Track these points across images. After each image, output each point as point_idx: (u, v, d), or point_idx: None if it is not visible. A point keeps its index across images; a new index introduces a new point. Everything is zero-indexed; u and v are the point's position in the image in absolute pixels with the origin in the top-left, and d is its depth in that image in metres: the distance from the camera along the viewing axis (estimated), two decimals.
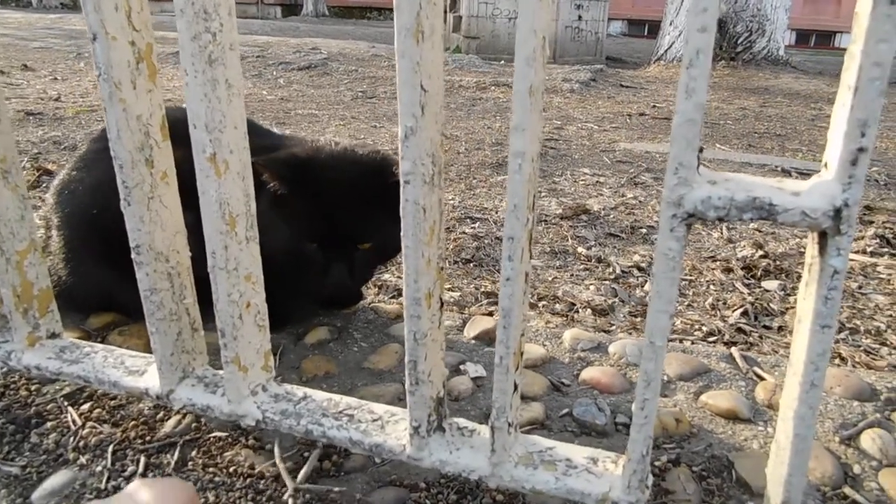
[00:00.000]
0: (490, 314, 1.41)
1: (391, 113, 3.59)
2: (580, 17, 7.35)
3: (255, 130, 1.11)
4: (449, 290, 1.57)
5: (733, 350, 1.10)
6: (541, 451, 0.61)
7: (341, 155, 0.97)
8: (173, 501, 0.55)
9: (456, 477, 0.75)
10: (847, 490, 0.78)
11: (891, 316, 1.62)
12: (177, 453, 0.79)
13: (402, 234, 0.53)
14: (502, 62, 6.16)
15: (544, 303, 1.55)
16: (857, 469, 0.82)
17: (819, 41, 13.05)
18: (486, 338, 1.08)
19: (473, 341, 1.08)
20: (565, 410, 0.90)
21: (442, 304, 0.59)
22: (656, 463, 0.80)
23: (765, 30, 6.39)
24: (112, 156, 0.59)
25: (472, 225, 1.96)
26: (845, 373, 1.01)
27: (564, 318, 1.45)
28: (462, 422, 0.64)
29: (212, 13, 0.54)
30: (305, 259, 0.95)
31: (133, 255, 0.64)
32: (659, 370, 0.51)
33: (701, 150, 0.49)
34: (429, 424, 0.60)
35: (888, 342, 1.49)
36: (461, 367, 0.99)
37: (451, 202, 2.11)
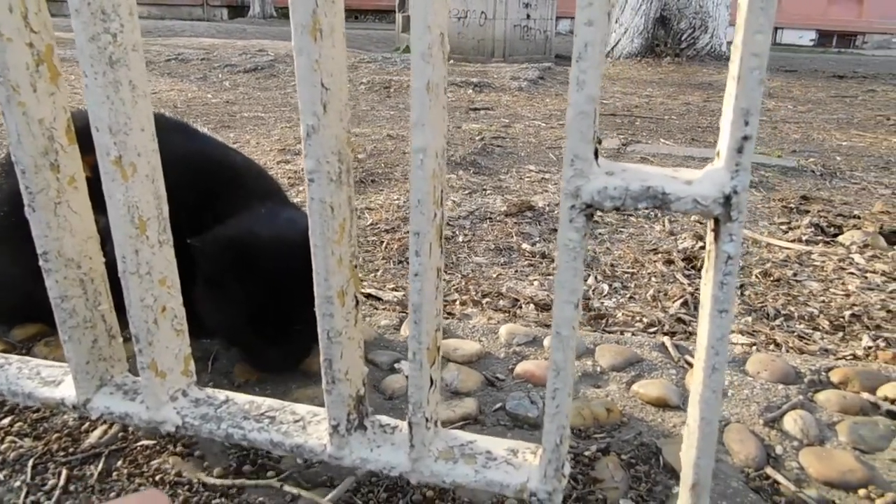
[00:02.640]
0: None
1: None
2: (528, 16, 7.41)
3: (187, 132, 1.09)
4: (392, 289, 1.57)
5: (665, 339, 1.12)
6: (461, 444, 0.61)
7: (278, 233, 0.91)
8: None
9: (387, 475, 0.75)
10: (769, 470, 0.81)
11: (823, 301, 1.68)
12: (101, 464, 0.77)
13: (310, 232, 0.53)
14: (451, 61, 6.17)
15: (488, 300, 1.56)
16: (779, 450, 0.85)
17: None
18: None
19: None
20: (499, 405, 0.91)
21: (357, 303, 0.59)
22: (586, 453, 0.82)
23: (707, 26, 6.54)
24: (13, 161, 0.58)
25: None
26: (772, 357, 1.04)
27: (507, 314, 1.46)
28: (384, 419, 0.64)
29: (111, 13, 0.53)
30: (242, 343, 0.94)
31: (41, 262, 0.62)
32: (568, 360, 0.51)
33: (599, 141, 0.50)
34: (349, 423, 0.60)
35: (820, 327, 1.54)
36: (396, 365, 0.99)
37: (397, 202, 2.11)
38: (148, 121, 0.58)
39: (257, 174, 1.05)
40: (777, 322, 1.54)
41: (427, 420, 0.58)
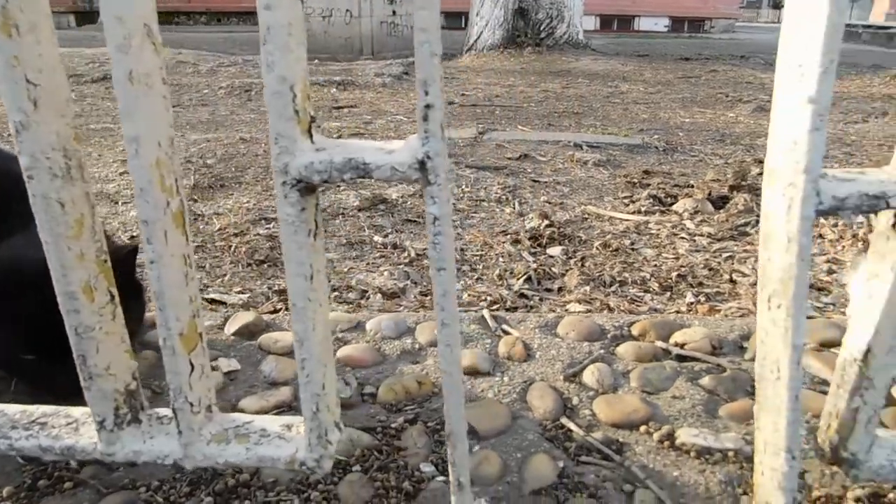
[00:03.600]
0: (276, 311, 1.41)
1: (195, 121, 3.47)
2: (394, 13, 7.46)
3: None
4: (239, 292, 1.56)
5: (485, 312, 1.17)
6: (237, 426, 0.62)
7: None
8: None
9: (193, 469, 0.75)
10: (564, 420, 0.87)
11: (655, 266, 1.80)
12: None
13: (38, 228, 0.53)
14: (316, 61, 6.12)
15: (336, 293, 1.57)
16: (575, 401, 0.91)
17: (621, 25, 14.10)
18: (246, 332, 1.09)
19: (233, 337, 1.08)
20: None
21: (113, 297, 0.59)
22: (393, 425, 0.85)
23: (563, 16, 6.83)
24: None
25: (267, 226, 1.95)
26: (580, 319, 1.12)
27: (352, 306, 1.48)
28: (162, 411, 0.64)
29: None
30: (23, 371, 0.89)
31: None
32: (309, 330, 0.54)
33: (313, 119, 0.52)
34: (117, 418, 0.60)
35: (651, 289, 1.66)
36: (213, 363, 0.99)
37: (246, 205, 2.09)
38: None
39: None
40: (612, 288, 1.65)
41: (193, 405, 0.59)
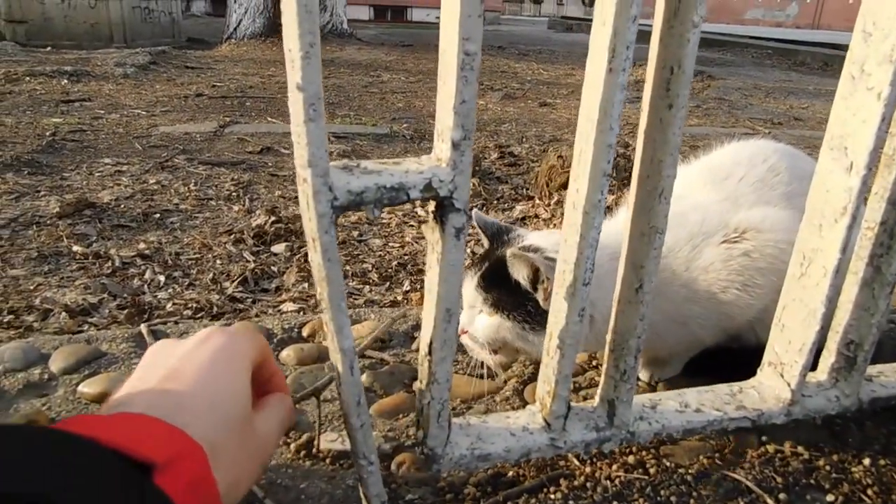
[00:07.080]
0: None
1: None
2: None
3: None
4: None
5: (143, 327, 1.07)
6: None
7: None
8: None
9: None
10: None
11: (380, 256, 1.79)
12: None
13: None
14: (49, 49, 5.47)
15: (12, 316, 1.37)
16: None
17: (394, 15, 14.30)
18: None
19: None
20: None
21: None
22: None
23: (326, 5, 6.72)
24: None
25: None
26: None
27: (18, 330, 1.29)
28: None
29: None
30: None
31: None
32: None
33: None
34: None
35: (371, 280, 1.64)
36: None
37: None
38: None
39: None
40: None
41: None
